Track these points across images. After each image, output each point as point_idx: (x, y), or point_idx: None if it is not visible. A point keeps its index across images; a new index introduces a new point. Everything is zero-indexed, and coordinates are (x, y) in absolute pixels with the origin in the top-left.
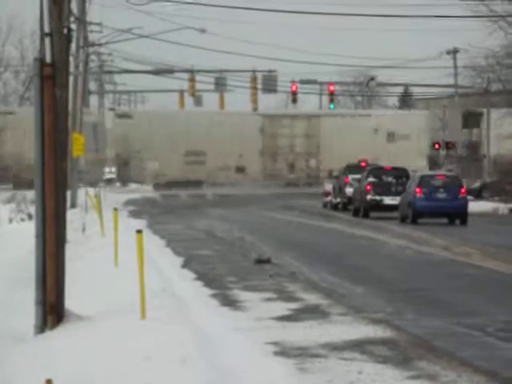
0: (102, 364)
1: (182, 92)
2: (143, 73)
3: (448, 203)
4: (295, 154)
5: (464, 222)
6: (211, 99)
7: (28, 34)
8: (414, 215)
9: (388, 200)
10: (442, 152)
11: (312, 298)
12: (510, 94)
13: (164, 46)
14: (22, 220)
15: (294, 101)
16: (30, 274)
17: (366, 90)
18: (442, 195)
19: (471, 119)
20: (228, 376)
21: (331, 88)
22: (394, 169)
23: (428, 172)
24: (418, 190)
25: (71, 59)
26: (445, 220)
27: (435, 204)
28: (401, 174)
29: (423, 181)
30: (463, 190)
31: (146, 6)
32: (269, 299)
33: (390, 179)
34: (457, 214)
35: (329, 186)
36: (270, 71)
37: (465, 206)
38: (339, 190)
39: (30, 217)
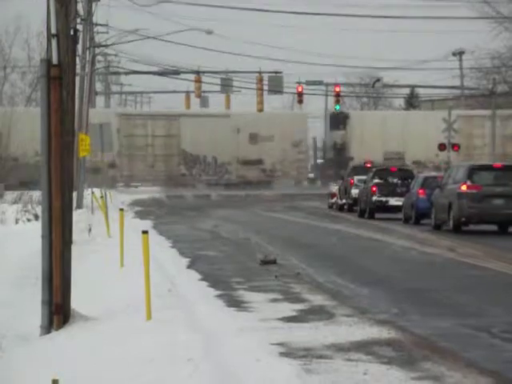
0: (107, 364)
1: (188, 93)
2: (149, 74)
3: None
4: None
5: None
6: (217, 100)
7: (34, 35)
8: (416, 216)
9: (393, 201)
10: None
11: (317, 299)
12: None
13: (170, 47)
14: (29, 220)
15: (300, 102)
16: (36, 274)
17: (371, 91)
18: None
19: None
20: (233, 377)
21: (337, 89)
22: (400, 170)
23: (431, 173)
24: (420, 191)
25: (78, 60)
26: None
27: None
28: (406, 175)
29: (426, 182)
30: None
31: (153, 7)
32: (274, 300)
33: (395, 180)
34: None
35: (334, 188)
36: (275, 72)
37: None
38: (345, 192)
39: (36, 217)
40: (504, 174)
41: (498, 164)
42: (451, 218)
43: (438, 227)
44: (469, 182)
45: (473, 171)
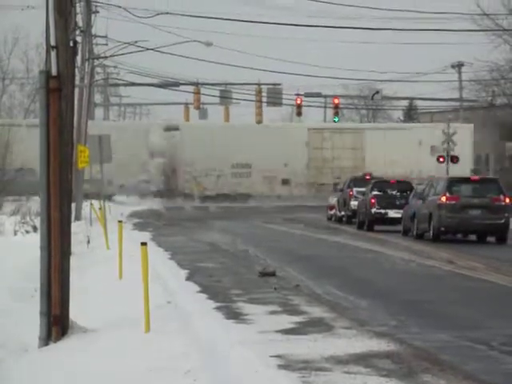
0: (106, 376)
1: (187, 105)
2: (148, 85)
3: None
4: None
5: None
6: (216, 112)
7: (33, 46)
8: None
9: (392, 213)
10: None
11: (316, 311)
12: None
13: (169, 59)
14: (27, 232)
15: (299, 114)
16: (34, 285)
17: (370, 104)
18: None
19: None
20: None
21: (336, 101)
22: (399, 182)
23: None
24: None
25: (76, 72)
26: None
27: None
28: (405, 187)
29: None
30: None
31: (152, 18)
32: (273, 312)
33: (394, 192)
34: None
35: (333, 200)
36: (274, 84)
37: None
38: (344, 203)
39: (34, 229)
40: (481, 186)
41: (476, 177)
42: (431, 228)
43: (419, 236)
44: (448, 194)
45: (452, 183)
